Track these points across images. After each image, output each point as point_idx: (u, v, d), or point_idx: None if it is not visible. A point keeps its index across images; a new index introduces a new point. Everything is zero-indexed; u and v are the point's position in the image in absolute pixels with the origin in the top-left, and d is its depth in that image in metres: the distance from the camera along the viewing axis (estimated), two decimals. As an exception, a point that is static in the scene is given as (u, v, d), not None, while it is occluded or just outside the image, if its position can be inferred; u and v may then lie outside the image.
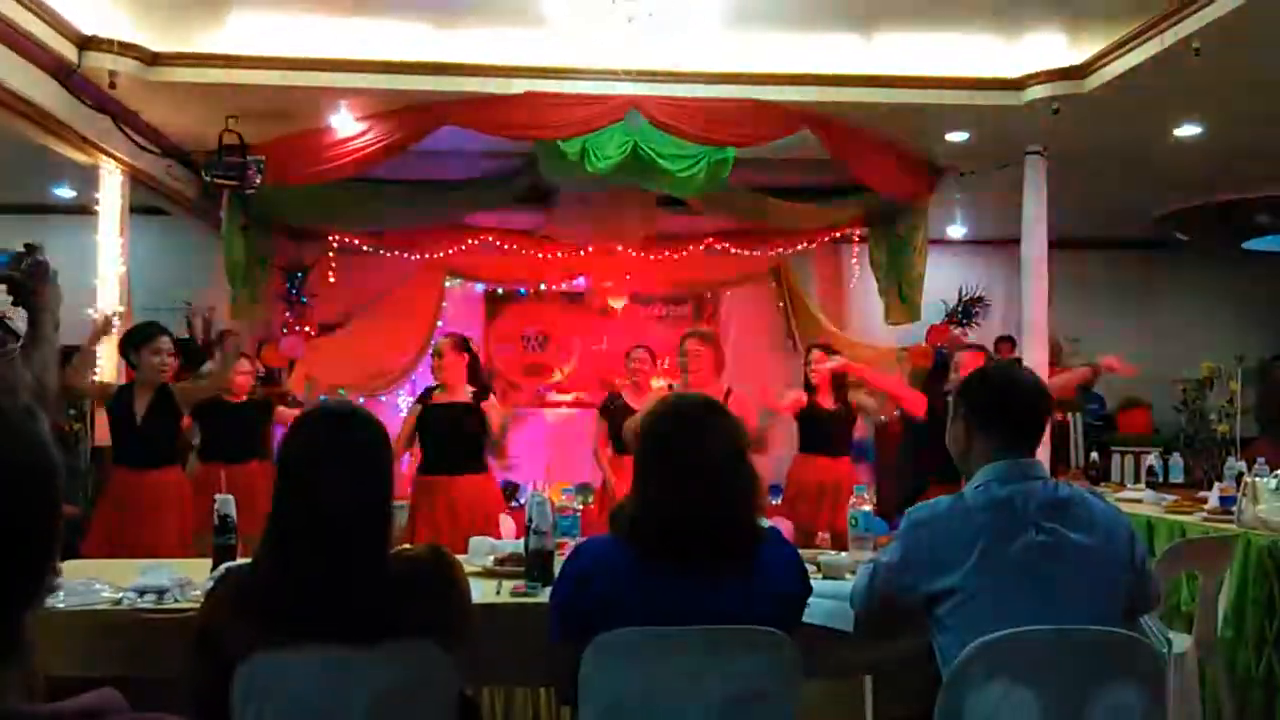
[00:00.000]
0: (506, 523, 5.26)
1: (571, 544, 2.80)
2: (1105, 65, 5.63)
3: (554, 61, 5.84)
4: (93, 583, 2.63)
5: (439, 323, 8.50)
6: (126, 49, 5.53)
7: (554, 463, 8.63)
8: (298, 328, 8.33)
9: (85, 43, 5.43)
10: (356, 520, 1.95)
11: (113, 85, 5.59)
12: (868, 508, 3.34)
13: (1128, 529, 2.23)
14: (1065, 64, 5.85)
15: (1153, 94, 5.79)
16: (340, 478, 1.95)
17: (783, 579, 2.14)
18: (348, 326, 8.58)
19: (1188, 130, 6.46)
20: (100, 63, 5.48)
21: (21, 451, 0.81)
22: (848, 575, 2.84)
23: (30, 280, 2.14)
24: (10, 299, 2.11)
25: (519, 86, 5.92)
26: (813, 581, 2.29)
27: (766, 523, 2.36)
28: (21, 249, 2.28)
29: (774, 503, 8.07)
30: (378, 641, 1.86)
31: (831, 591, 2.51)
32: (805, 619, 2.22)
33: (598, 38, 5.45)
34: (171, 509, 4.68)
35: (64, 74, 5.38)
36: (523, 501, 8.29)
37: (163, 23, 5.57)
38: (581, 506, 7.36)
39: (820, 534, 4.65)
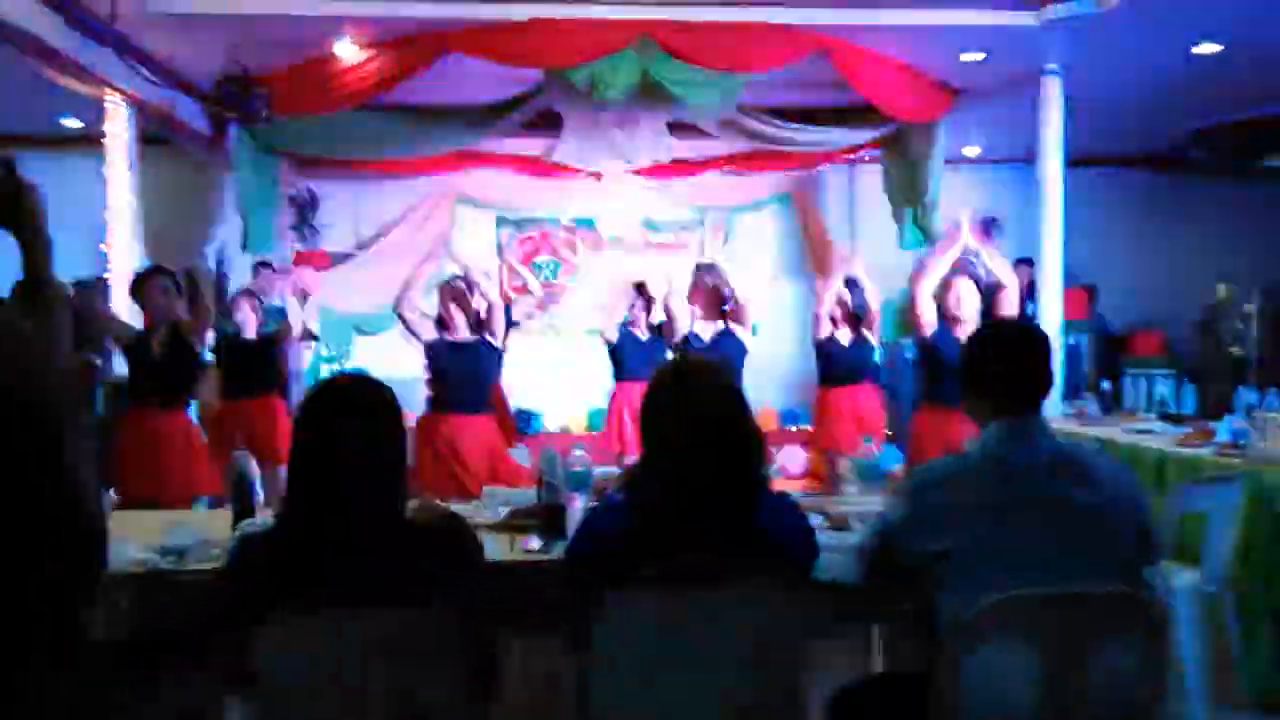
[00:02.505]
0: (519, 454, 5.32)
1: (581, 499, 2.82)
2: (1124, -17, 5.47)
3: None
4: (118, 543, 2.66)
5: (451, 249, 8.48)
6: (126, -21, 5.43)
7: (565, 390, 8.72)
8: (309, 259, 8.31)
9: (84, -27, 5.33)
10: (372, 483, 2.02)
11: (113, 16, 5.49)
12: (876, 450, 3.37)
13: (1131, 485, 2.24)
14: (1083, -18, 5.71)
15: (1171, 11, 5.66)
16: (355, 442, 2.02)
17: (791, 543, 2.18)
18: (359, 256, 8.60)
19: (1206, 48, 6.32)
20: (100, -7, 5.39)
21: None
22: (856, 525, 2.87)
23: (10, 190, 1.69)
24: None
25: (524, 13, 5.79)
26: (821, 535, 2.33)
27: (778, 477, 2.38)
28: None
29: (793, 428, 8.13)
30: (396, 601, 1.94)
31: (837, 544, 2.54)
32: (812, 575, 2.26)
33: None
34: (181, 453, 4.76)
35: (63, 5, 5.29)
36: (535, 430, 8.39)
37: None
38: (591, 460, 7.49)
39: (844, 460, 4.83)
